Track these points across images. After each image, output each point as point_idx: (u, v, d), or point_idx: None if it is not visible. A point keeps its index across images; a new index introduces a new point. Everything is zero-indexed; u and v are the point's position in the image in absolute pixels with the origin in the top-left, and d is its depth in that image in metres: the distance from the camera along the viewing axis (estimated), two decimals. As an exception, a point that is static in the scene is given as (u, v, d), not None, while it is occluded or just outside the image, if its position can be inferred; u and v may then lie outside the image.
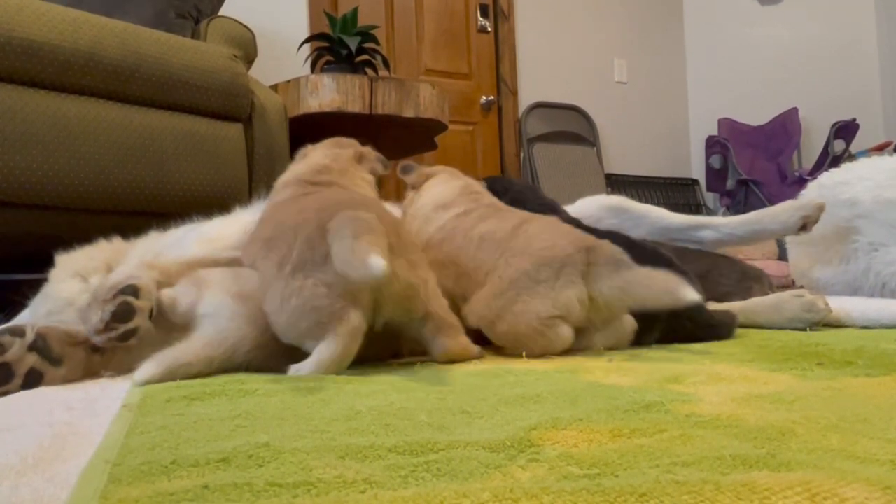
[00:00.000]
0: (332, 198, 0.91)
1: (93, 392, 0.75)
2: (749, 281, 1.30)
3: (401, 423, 0.51)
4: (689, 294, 0.79)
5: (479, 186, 1.16)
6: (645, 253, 1.00)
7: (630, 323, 0.91)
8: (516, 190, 1.23)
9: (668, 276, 0.83)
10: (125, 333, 0.78)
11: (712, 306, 1.06)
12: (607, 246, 0.89)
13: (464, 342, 0.84)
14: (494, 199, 1.11)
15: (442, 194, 1.10)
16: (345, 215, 0.77)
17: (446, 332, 0.82)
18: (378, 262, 0.67)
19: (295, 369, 0.73)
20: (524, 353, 0.86)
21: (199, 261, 0.91)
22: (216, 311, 0.80)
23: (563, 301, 0.86)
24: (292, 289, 0.75)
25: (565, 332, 0.86)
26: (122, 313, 0.78)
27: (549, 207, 1.20)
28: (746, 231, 1.35)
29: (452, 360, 0.83)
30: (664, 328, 0.95)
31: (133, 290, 0.79)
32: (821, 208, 1.28)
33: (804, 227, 1.29)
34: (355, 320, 0.73)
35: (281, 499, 0.36)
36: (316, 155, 1.08)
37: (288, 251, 0.78)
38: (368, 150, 1.14)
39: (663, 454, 0.42)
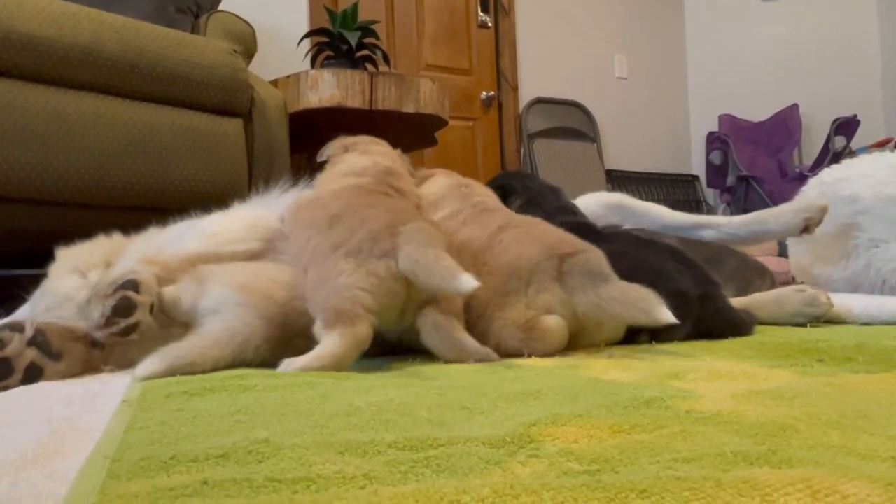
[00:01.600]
0: (407, 207, 0.93)
1: (92, 387, 0.75)
2: (750, 274, 1.30)
3: (400, 419, 0.51)
4: (665, 315, 0.77)
5: (469, 181, 1.14)
6: (656, 249, 1.00)
7: None
8: (533, 190, 1.19)
9: (644, 293, 0.80)
10: (126, 328, 0.78)
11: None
12: (583, 256, 0.85)
13: (457, 324, 0.81)
14: (485, 195, 1.09)
15: (432, 191, 1.10)
16: (420, 225, 0.80)
17: (445, 310, 0.80)
18: (471, 281, 0.72)
19: (287, 363, 0.74)
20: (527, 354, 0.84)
21: (200, 256, 0.91)
22: (220, 305, 0.80)
23: (539, 304, 0.84)
24: (342, 269, 0.77)
25: (550, 323, 0.83)
26: (123, 308, 0.78)
27: (567, 210, 1.17)
28: (748, 231, 1.34)
29: (439, 335, 0.79)
30: (694, 323, 0.95)
31: (133, 285, 0.79)
32: (823, 210, 1.28)
33: (806, 228, 1.29)
34: (366, 329, 0.75)
35: (280, 494, 0.36)
36: (372, 152, 1.08)
37: (350, 236, 0.80)
38: (400, 152, 1.15)
39: (664, 450, 0.42)
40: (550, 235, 0.91)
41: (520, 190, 1.19)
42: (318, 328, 0.76)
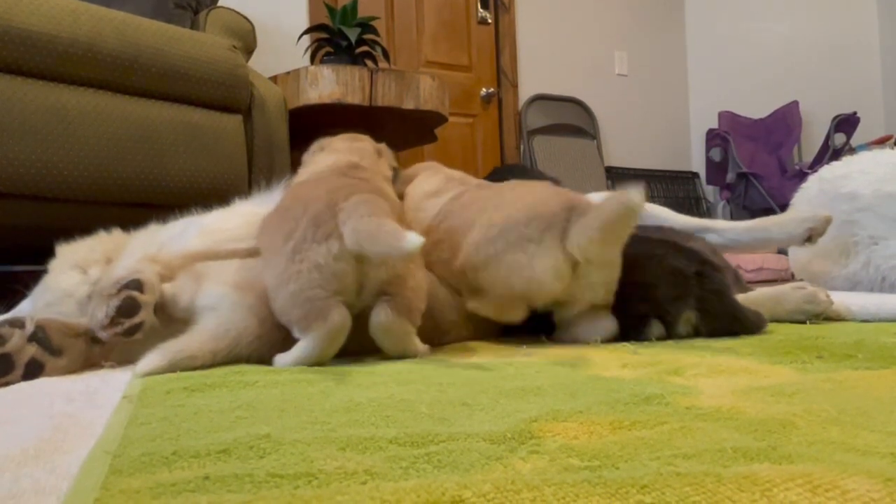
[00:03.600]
0: (346, 182, 0.92)
1: (93, 383, 0.75)
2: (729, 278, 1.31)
3: (401, 414, 0.51)
4: (635, 194, 0.81)
5: (463, 175, 1.17)
6: (647, 240, 1.01)
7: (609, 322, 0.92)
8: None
9: (616, 195, 0.84)
10: (131, 328, 0.78)
11: None
12: (585, 202, 0.90)
13: (407, 327, 0.81)
14: (481, 181, 1.13)
15: (429, 185, 1.12)
16: (361, 197, 0.79)
17: (400, 308, 0.79)
18: (414, 238, 0.70)
19: (279, 360, 0.77)
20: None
21: (201, 253, 0.91)
22: (217, 303, 0.80)
23: (541, 267, 0.86)
24: (290, 273, 0.77)
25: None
26: (127, 308, 0.78)
27: None
28: (751, 238, 1.35)
29: (387, 335, 0.80)
30: (698, 317, 0.95)
31: (137, 285, 0.79)
32: (827, 221, 1.28)
33: (809, 238, 1.29)
34: (338, 318, 0.75)
35: (282, 490, 0.36)
36: (341, 149, 1.08)
37: (295, 225, 0.79)
38: (384, 146, 1.14)
39: (664, 446, 0.42)
40: (560, 192, 0.95)
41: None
42: (295, 334, 0.78)
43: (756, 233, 1.35)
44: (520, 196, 0.93)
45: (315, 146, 1.12)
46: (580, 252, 0.85)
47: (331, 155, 1.07)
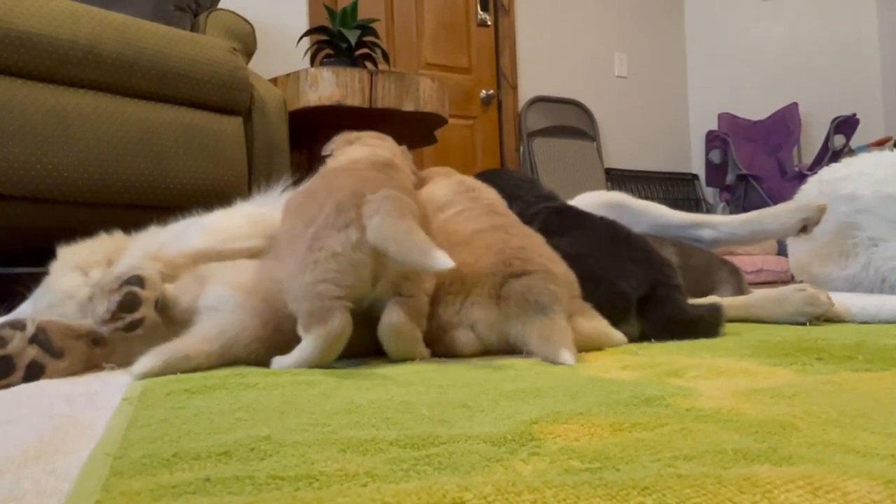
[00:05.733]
0: (377, 176, 0.90)
1: (94, 385, 0.75)
2: (723, 272, 1.31)
3: (402, 416, 0.51)
4: (565, 358, 0.77)
5: (474, 182, 1.14)
6: (617, 245, 1.01)
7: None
8: (511, 185, 1.19)
9: (560, 334, 0.80)
10: (131, 323, 0.78)
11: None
12: (527, 281, 0.84)
13: (416, 332, 0.80)
14: (493, 198, 1.09)
15: (439, 196, 1.09)
16: (389, 192, 0.78)
17: (411, 311, 0.79)
18: (445, 259, 0.69)
19: (276, 361, 0.76)
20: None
21: (203, 252, 0.91)
22: (217, 304, 0.80)
23: (469, 317, 0.85)
24: (308, 261, 0.76)
25: (464, 339, 0.85)
26: (128, 303, 0.78)
27: (547, 197, 1.17)
28: (746, 231, 1.35)
29: (397, 338, 0.79)
30: (640, 332, 0.96)
31: (139, 281, 0.79)
32: (822, 210, 1.28)
33: (804, 228, 1.29)
34: (338, 324, 0.74)
35: (283, 492, 0.36)
36: (375, 145, 1.08)
37: (318, 211, 0.79)
38: (405, 148, 1.14)
39: (664, 448, 0.42)
40: (510, 251, 0.89)
41: (497, 188, 1.19)
42: (299, 329, 0.77)
43: (751, 225, 1.34)
44: (466, 251, 0.89)
45: (341, 139, 1.12)
46: (513, 341, 0.85)
47: (364, 148, 1.06)
